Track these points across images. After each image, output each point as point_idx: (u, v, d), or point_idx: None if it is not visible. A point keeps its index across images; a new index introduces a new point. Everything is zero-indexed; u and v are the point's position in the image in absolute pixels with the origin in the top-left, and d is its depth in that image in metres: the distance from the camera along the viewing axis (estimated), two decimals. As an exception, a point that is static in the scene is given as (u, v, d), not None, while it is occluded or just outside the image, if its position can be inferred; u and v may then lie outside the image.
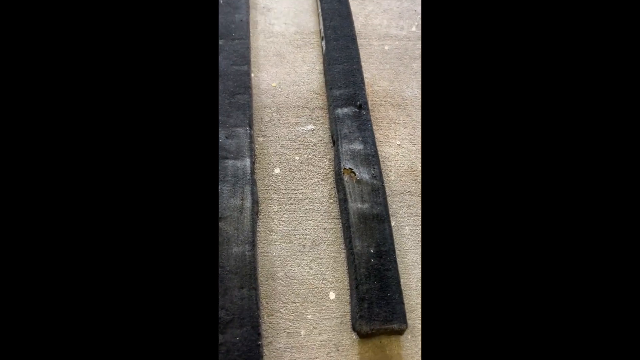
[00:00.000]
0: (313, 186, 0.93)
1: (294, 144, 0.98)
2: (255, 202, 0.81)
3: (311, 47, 1.17)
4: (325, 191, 0.92)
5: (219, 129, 0.89)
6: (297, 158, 0.96)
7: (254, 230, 0.78)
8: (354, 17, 1.20)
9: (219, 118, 0.91)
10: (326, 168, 0.96)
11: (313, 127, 1.02)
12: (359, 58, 1.08)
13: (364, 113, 0.97)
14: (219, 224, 0.77)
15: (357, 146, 0.91)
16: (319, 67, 1.13)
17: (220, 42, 1.05)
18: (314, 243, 0.85)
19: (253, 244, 0.76)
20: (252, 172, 0.85)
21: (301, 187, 0.92)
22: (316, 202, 0.90)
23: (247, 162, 0.85)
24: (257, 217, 0.81)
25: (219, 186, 0.81)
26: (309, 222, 0.88)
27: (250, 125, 0.92)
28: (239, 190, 0.81)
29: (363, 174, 0.87)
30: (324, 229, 0.87)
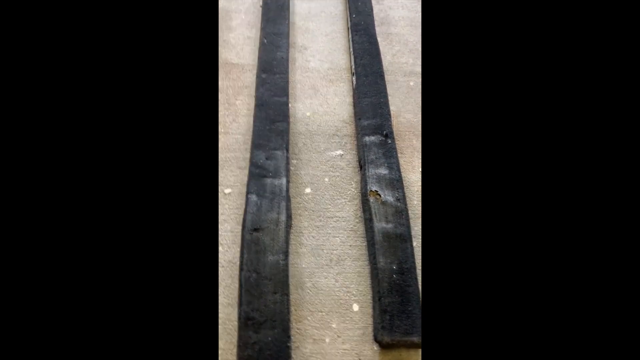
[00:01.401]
0: (340, 206, 1.01)
1: (324, 167, 1.08)
2: (289, 217, 0.90)
3: (342, 82, 1.29)
4: (352, 211, 1.00)
5: (260, 151, 1.00)
6: (326, 180, 1.06)
7: (287, 242, 0.86)
8: (382, 56, 1.33)
9: (260, 142, 1.02)
10: (353, 190, 1.04)
11: (342, 153, 1.11)
12: (386, 92, 1.19)
13: (390, 141, 1.06)
14: (257, 234, 0.86)
15: (383, 171, 1.00)
16: (349, 99, 1.25)
17: (264, 75, 1.19)
18: (340, 258, 0.92)
19: (286, 254, 0.84)
20: (288, 190, 0.95)
21: (329, 206, 1.01)
22: (343, 221, 0.98)
23: (284, 180, 0.95)
24: (290, 230, 0.90)
25: (259, 200, 0.91)
26: (336, 238, 0.95)
27: (287, 149, 1.03)
28: (276, 205, 0.90)
29: (388, 196, 0.95)
30: (350, 245, 0.94)
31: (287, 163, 1.01)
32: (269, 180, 0.95)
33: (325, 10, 1.55)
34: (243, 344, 0.72)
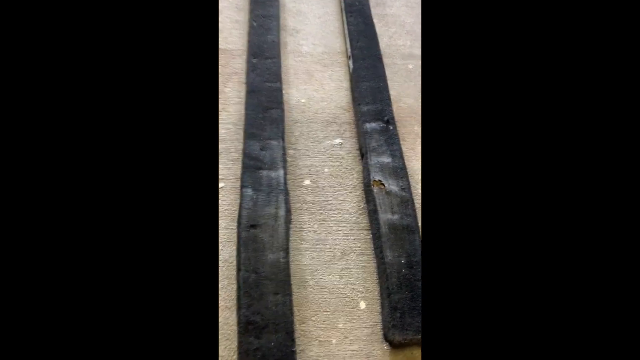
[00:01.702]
0: (342, 197, 0.95)
1: (323, 156, 1.02)
2: (288, 211, 0.84)
3: (338, 66, 1.22)
4: (354, 202, 0.94)
5: (254, 141, 0.93)
6: (326, 170, 0.99)
7: (287, 238, 0.80)
8: (379, 38, 1.26)
9: (254, 131, 0.95)
10: (354, 180, 0.98)
11: (341, 141, 1.05)
12: (385, 76, 1.12)
13: (392, 128, 1.00)
14: (255, 231, 0.79)
15: (386, 159, 0.94)
16: (346, 84, 1.18)
17: (254, 60, 1.11)
18: (343, 253, 0.87)
19: (287, 251, 0.78)
20: (285, 183, 0.88)
21: (330, 199, 0.95)
22: (345, 213, 0.92)
23: (281, 172, 0.89)
24: (290, 225, 0.84)
25: (255, 194, 0.84)
26: (339, 232, 0.90)
27: (283, 138, 0.96)
28: (274, 199, 0.84)
29: (392, 186, 0.89)
30: (353, 239, 0.89)
31: (284, 153, 0.94)
32: (265, 173, 0.88)
33: (316, -9, 1.46)
34: (244, 351, 0.67)
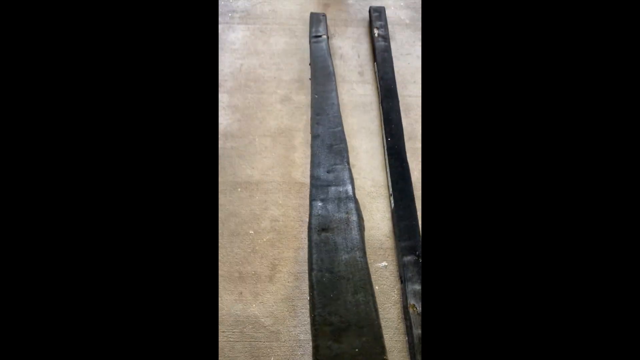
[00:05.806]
0: (387, 309, 1.44)
1: (374, 276, 1.51)
2: (360, 218, 1.07)
3: (382, 199, 1.72)
4: (395, 314, 1.43)
5: (320, 168, 1.32)
6: (376, 287, 1.49)
7: (362, 241, 0.98)
8: (411, 174, 1.75)
9: (319, 161, 1.39)
10: (396, 296, 1.47)
11: (386, 264, 1.55)
12: (417, 215, 1.61)
13: (421, 261, 1.49)
14: (326, 234, 0.99)
15: (417, 287, 1.43)
16: (388, 215, 1.67)
17: (318, 117, 1.61)
18: (389, 350, 1.36)
19: (364, 252, 0.96)
20: (354, 194, 1.17)
21: (380, 310, 1.44)
22: (389, 322, 1.42)
23: (349, 187, 1.21)
24: (364, 232, 1.07)
25: (324, 204, 1.11)
26: (386, 336, 1.39)
27: (348, 163, 1.35)
28: (343, 207, 1.11)
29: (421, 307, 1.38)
30: (395, 340, 1.38)
31: (350, 175, 1.26)
32: (332, 188, 1.13)
33: (364, 126, 1.96)
34: (322, 357, 0.64)
